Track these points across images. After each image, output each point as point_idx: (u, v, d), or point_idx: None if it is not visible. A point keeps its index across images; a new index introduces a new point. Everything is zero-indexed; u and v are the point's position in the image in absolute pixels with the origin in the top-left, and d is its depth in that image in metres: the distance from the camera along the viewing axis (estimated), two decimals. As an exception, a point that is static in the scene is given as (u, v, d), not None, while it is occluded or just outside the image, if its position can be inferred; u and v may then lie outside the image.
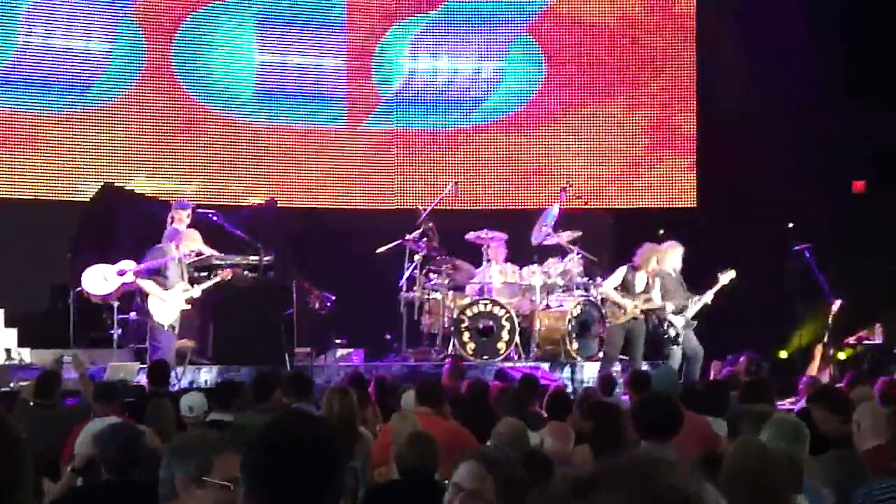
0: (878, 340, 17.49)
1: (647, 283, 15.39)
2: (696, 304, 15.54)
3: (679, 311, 15.43)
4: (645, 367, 15.14)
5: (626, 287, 15.43)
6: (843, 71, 18.74)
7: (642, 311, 15.41)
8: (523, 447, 7.16)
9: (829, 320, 16.36)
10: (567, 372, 16.43)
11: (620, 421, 7.65)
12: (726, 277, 15.56)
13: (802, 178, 18.35)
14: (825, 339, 16.37)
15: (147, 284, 14.82)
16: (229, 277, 15.37)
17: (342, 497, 3.43)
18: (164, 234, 15.49)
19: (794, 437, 6.29)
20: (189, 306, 15.01)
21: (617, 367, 15.46)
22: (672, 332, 15.46)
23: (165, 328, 14.73)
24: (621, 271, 15.55)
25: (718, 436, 8.42)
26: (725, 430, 8.49)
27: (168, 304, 14.80)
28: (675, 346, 15.49)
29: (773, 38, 18.82)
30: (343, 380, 12.11)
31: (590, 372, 16.12)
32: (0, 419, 2.66)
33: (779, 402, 11.14)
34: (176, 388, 13.62)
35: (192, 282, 15.21)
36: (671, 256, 15.69)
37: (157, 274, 14.90)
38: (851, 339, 17.39)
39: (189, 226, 15.57)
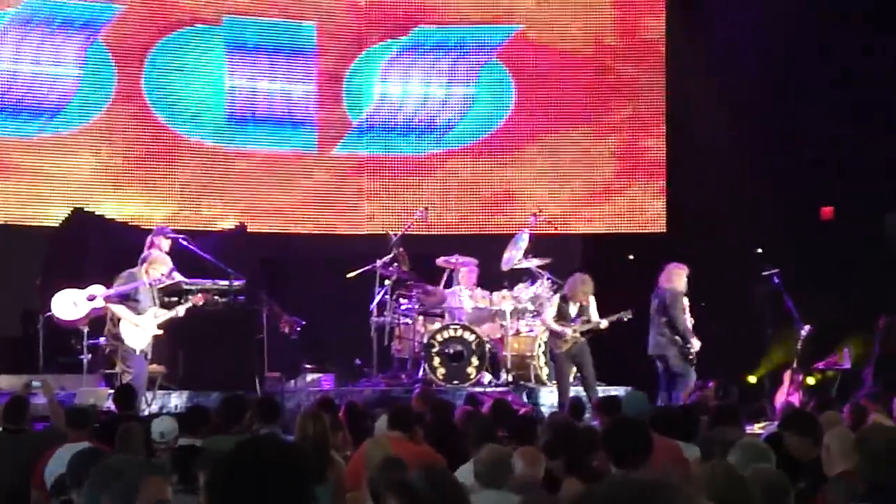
0: (847, 365, 17.59)
1: (581, 306, 15.52)
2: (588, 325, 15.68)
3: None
4: (614, 390, 15.27)
5: (561, 315, 15.58)
6: (814, 95, 18.88)
7: (581, 333, 15.53)
8: (506, 473, 7.17)
9: (798, 345, 16.44)
10: (536, 397, 16.48)
11: (589, 446, 7.67)
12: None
13: (771, 204, 18.45)
14: (794, 364, 16.44)
15: (119, 309, 14.76)
16: (201, 303, 15.33)
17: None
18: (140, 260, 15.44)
19: (759, 461, 6.32)
20: (161, 331, 14.95)
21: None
22: (692, 352, 15.60)
23: (138, 353, 14.67)
24: (555, 301, 15.80)
25: (689, 460, 8.45)
26: (696, 455, 8.52)
27: (140, 329, 14.75)
28: (691, 368, 15.61)
29: (743, 64, 18.95)
30: (314, 404, 12.09)
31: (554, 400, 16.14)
32: None
33: (750, 426, 11.19)
34: (146, 412, 13.60)
35: (164, 307, 15.16)
36: (678, 277, 15.78)
37: (129, 299, 14.85)
38: (820, 364, 17.48)
39: (168, 252, 15.57)
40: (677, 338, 15.66)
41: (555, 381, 16.16)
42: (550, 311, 15.79)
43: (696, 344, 15.62)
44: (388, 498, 4.48)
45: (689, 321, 15.82)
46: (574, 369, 15.81)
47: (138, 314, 14.77)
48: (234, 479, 3.34)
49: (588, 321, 15.59)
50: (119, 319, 14.74)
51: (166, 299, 15.43)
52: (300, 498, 3.37)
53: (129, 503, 4.18)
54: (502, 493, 6.96)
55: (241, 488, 3.32)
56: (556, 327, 15.64)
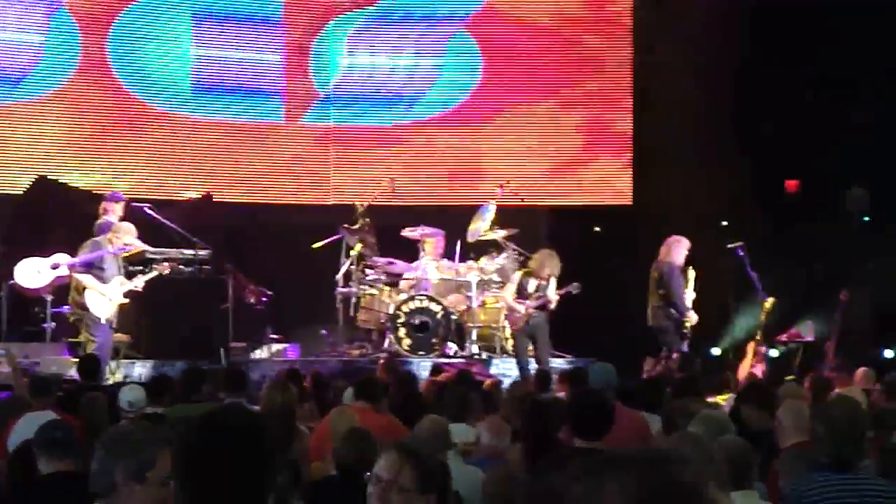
0: (810, 338, 17.70)
1: (539, 284, 15.53)
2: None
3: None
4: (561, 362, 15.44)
5: (519, 292, 15.60)
6: (780, 69, 18.94)
7: (536, 308, 15.52)
8: (444, 442, 7.23)
9: (762, 318, 16.53)
10: (502, 367, 16.51)
11: (552, 418, 7.70)
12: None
13: (736, 177, 18.52)
14: (757, 337, 16.53)
15: (85, 278, 14.66)
16: (167, 271, 15.26)
17: (276, 491, 3.43)
18: (95, 226, 15.36)
19: (719, 433, 6.37)
20: (127, 300, 14.87)
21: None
22: (687, 326, 15.65)
23: (103, 322, 14.59)
24: (516, 277, 15.80)
25: (652, 432, 8.50)
26: (658, 426, 8.58)
27: (105, 298, 14.65)
28: (684, 342, 15.67)
29: (710, 38, 18.96)
30: (279, 375, 12.10)
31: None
32: None
33: (713, 399, 11.25)
34: (110, 381, 13.57)
35: (129, 276, 15.09)
36: (681, 252, 15.80)
37: (94, 268, 14.76)
38: (783, 337, 17.59)
39: (123, 219, 15.46)
40: (672, 311, 15.69)
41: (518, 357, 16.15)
42: (510, 287, 15.79)
43: (692, 318, 15.64)
44: (400, 471, 4.48)
45: (690, 295, 15.81)
46: (528, 345, 15.78)
47: (104, 283, 14.68)
48: (199, 447, 3.34)
49: (540, 297, 15.57)
50: (84, 288, 14.64)
51: (131, 268, 15.36)
52: (264, 467, 3.37)
53: (142, 475, 4.18)
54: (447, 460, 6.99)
55: (207, 457, 3.32)
56: (513, 303, 15.65)
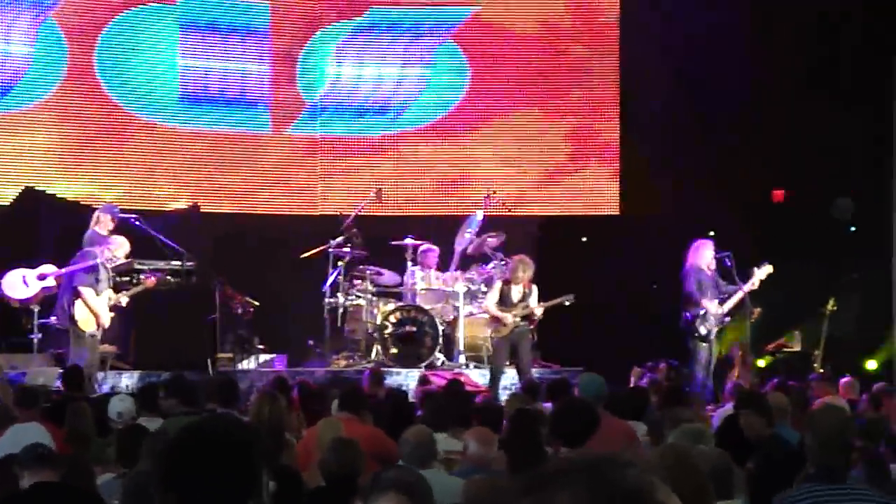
0: (797, 348, 17.73)
1: (524, 292, 15.50)
2: (732, 300, 15.63)
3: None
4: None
5: (503, 301, 15.54)
6: (766, 80, 18.99)
7: (522, 318, 15.49)
8: (431, 453, 7.23)
9: (749, 328, 16.54)
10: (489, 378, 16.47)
11: (537, 427, 7.70)
12: (763, 272, 15.68)
13: (723, 186, 18.55)
14: (745, 347, 16.53)
15: (85, 291, 14.55)
16: (152, 285, 15.23)
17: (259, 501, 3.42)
18: (85, 236, 15.29)
19: (698, 442, 6.37)
20: (112, 314, 14.83)
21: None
22: (703, 330, 15.58)
23: (87, 335, 14.52)
24: (497, 286, 15.70)
25: (639, 440, 8.51)
26: (643, 431, 8.59)
27: (93, 314, 14.56)
28: (703, 343, 15.60)
29: (697, 47, 19.00)
30: (267, 385, 12.07)
31: (512, 379, 16.16)
32: None
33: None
34: (97, 393, 13.54)
35: (116, 288, 15.06)
36: (703, 254, 15.76)
37: (89, 279, 14.63)
38: (770, 347, 17.61)
39: (113, 231, 15.43)
40: (685, 313, 15.65)
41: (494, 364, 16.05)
42: (492, 295, 15.70)
43: (711, 320, 15.57)
44: (384, 497, 4.47)
45: (712, 298, 15.72)
46: (507, 355, 15.68)
47: (98, 296, 14.62)
48: (182, 457, 3.32)
49: (527, 307, 15.54)
50: (76, 299, 14.53)
51: (118, 279, 15.33)
52: (251, 479, 3.36)
53: None
54: (431, 472, 6.99)
55: (190, 467, 3.30)
56: (497, 312, 15.54)
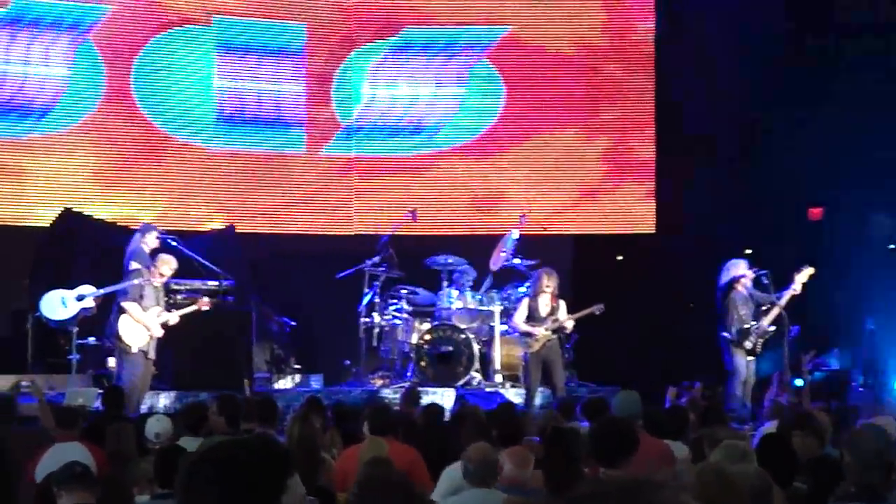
0: (835, 366, 17.62)
1: (552, 307, 15.49)
2: (772, 312, 15.60)
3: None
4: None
5: (532, 316, 15.52)
6: (801, 97, 18.93)
7: (553, 332, 15.47)
8: (492, 472, 7.17)
9: (787, 345, 16.45)
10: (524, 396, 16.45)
11: (575, 447, 7.66)
12: (804, 274, 15.63)
13: (759, 204, 18.49)
14: (783, 366, 16.44)
15: (130, 306, 14.50)
16: (207, 307, 15.13)
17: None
18: (128, 250, 15.00)
19: (742, 460, 6.34)
20: (162, 332, 14.73)
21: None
22: (748, 344, 15.54)
23: (134, 351, 14.46)
24: (525, 303, 15.68)
25: (677, 458, 8.47)
26: (685, 453, 8.54)
27: (142, 328, 14.49)
28: (747, 358, 15.59)
29: (732, 66, 18.97)
30: (302, 405, 12.08)
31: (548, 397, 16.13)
32: None
33: (739, 428, 11.22)
34: (139, 412, 13.55)
35: (167, 308, 14.99)
36: (738, 272, 15.72)
37: (132, 294, 14.55)
38: (808, 365, 17.49)
39: (155, 250, 15.37)
40: (726, 334, 15.62)
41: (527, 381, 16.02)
42: (520, 312, 15.69)
43: (754, 335, 15.53)
44: None
45: (749, 315, 15.64)
46: (540, 373, 15.63)
47: (145, 312, 14.55)
48: (190, 481, 3.33)
49: (556, 320, 15.52)
50: (122, 316, 14.45)
51: (165, 299, 15.32)
52: (267, 501, 3.36)
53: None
54: (491, 492, 6.97)
55: (200, 491, 3.31)
56: (527, 328, 15.56)
